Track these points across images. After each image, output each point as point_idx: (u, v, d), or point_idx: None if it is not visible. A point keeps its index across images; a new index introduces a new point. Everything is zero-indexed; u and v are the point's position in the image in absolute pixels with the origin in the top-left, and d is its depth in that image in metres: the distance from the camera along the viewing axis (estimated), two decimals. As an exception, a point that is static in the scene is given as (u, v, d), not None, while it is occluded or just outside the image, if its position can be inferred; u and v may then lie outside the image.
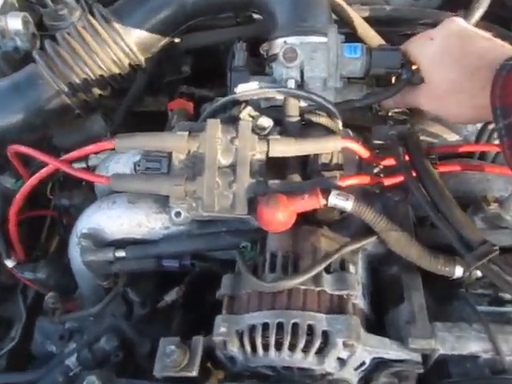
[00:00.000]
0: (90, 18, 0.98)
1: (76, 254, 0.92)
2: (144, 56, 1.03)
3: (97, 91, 1.02)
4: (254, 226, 0.79)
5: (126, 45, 0.98)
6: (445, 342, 0.65)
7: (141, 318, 0.84)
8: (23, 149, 0.87)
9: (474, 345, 0.64)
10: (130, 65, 1.02)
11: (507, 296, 0.69)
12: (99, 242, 0.87)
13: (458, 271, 0.68)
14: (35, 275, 1.01)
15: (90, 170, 1.04)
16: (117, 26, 0.97)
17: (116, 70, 1.00)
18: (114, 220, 0.86)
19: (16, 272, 1.03)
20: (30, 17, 1.16)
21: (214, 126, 0.77)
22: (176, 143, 0.77)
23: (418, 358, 0.66)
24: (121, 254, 0.84)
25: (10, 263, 1.00)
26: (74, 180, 1.18)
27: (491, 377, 0.64)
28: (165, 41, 1.04)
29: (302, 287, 0.67)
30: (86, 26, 0.97)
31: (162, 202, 0.85)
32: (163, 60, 1.35)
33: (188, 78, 1.40)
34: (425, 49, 0.77)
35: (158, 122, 1.28)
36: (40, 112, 0.98)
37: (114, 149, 0.80)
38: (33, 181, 0.84)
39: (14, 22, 1.12)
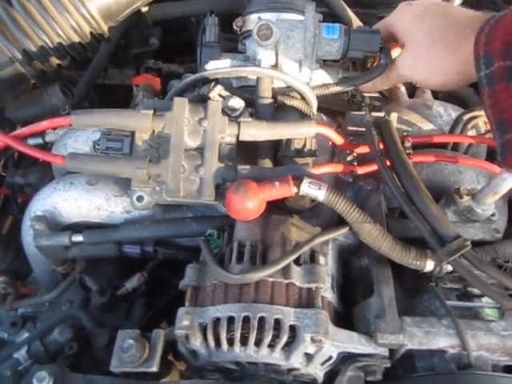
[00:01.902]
0: (47, -21, 0.89)
1: (29, 238, 0.85)
2: (108, 24, 0.95)
3: (55, 60, 0.94)
4: (222, 212, 0.75)
5: (88, 11, 0.90)
6: (413, 338, 0.63)
7: (99, 307, 0.80)
8: (-31, 121, 0.79)
9: (442, 340, 0.64)
10: (91, 33, 0.94)
11: (476, 291, 0.69)
12: (54, 225, 0.81)
13: (429, 265, 0.66)
14: (-15, 258, 0.94)
15: (48, 146, 0.97)
16: (78, -11, 0.89)
17: (76, 39, 0.92)
18: (70, 202, 0.80)
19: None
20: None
21: (182, 106, 0.72)
22: (139, 122, 0.71)
23: (385, 352, 0.65)
24: (78, 238, 0.79)
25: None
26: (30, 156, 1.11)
27: (457, 372, 0.64)
28: (131, 9, 0.97)
29: (270, 279, 0.64)
30: (42, -12, 0.89)
31: (124, 184, 0.79)
32: (130, 31, 1.27)
33: (156, 52, 1.33)
34: (405, 13, 0.76)
35: (122, 97, 1.22)
36: (-2, 79, 0.90)
37: (70, 125, 0.73)
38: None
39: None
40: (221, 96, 0.76)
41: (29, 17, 0.88)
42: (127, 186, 0.78)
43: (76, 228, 0.80)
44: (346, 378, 0.66)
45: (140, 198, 0.74)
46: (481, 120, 0.86)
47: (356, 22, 1.03)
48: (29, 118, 0.96)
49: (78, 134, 0.87)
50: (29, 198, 1.05)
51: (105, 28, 0.95)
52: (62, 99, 1.01)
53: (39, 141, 0.97)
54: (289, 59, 0.80)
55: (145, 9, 1.06)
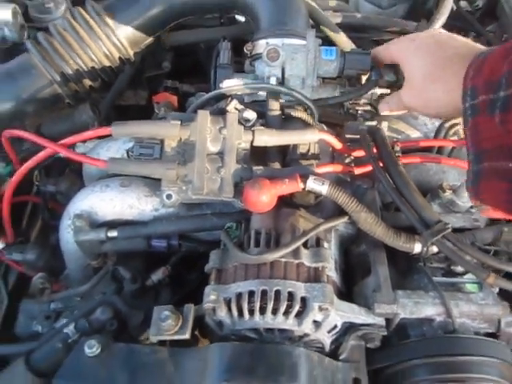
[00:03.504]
0: (84, 12, 1.04)
1: (67, 236, 0.97)
2: (133, 50, 1.09)
3: (87, 82, 1.08)
4: (238, 208, 0.87)
5: (118, 39, 1.04)
6: (405, 307, 0.75)
7: (131, 294, 0.90)
8: (22, 133, 0.91)
9: (429, 309, 0.75)
10: (119, 58, 1.08)
11: (458, 269, 0.80)
12: (92, 222, 0.92)
13: (417, 247, 0.78)
14: (24, 256, 1.05)
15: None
16: (109, 21, 1.03)
17: (107, 63, 1.06)
18: (106, 202, 0.92)
19: (4, 254, 1.07)
20: (17, 8, 1.21)
21: (204, 117, 0.85)
22: (169, 131, 0.84)
23: (382, 322, 0.76)
24: (113, 233, 0.91)
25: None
26: (59, 167, 1.23)
27: (444, 336, 0.75)
28: (153, 36, 1.11)
29: (283, 260, 0.75)
30: (79, 20, 1.03)
31: (153, 186, 0.92)
32: (145, 55, 1.41)
33: (167, 74, 1.47)
34: (405, 47, 0.83)
35: (136, 116, 1.35)
36: (32, 100, 1.03)
37: (109, 135, 0.86)
38: (30, 164, 0.89)
39: (4, 13, 1.16)
40: (236, 109, 0.89)
41: (66, 44, 1.02)
42: (156, 187, 0.91)
43: (111, 225, 0.92)
44: (349, 345, 0.77)
45: (169, 196, 0.86)
46: (460, 127, 0.99)
47: (349, 45, 1.17)
48: (61, 133, 1.08)
49: (109, 145, 0.99)
50: (58, 204, 1.18)
51: (131, 53, 1.09)
52: (91, 116, 1.15)
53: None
54: (293, 77, 0.93)
55: (163, 36, 1.20)
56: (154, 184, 0.92)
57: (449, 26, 1.31)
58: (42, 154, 0.88)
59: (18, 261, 1.07)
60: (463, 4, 1.38)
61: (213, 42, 1.32)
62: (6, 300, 1.11)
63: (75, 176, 1.19)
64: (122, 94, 1.37)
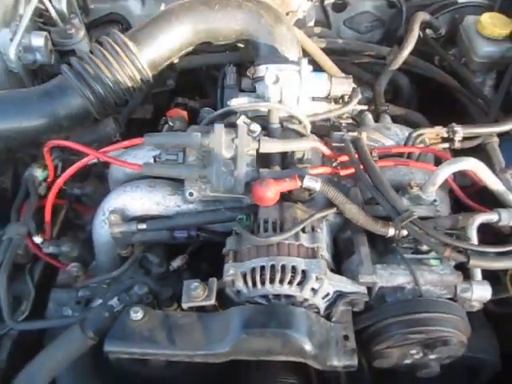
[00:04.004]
0: (111, 41, 1.22)
1: (100, 230, 1.16)
2: (152, 73, 1.28)
3: (113, 100, 1.26)
4: (247, 203, 1.07)
5: (140, 64, 1.23)
6: (382, 277, 0.96)
7: (158, 276, 1.09)
8: (66, 143, 1.10)
9: (401, 278, 0.96)
10: (141, 80, 1.26)
11: (424, 248, 1.01)
12: (124, 217, 1.11)
13: (391, 231, 0.99)
14: (60, 249, 1.22)
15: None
16: (133, 48, 1.22)
17: (130, 84, 1.24)
18: (137, 200, 1.11)
19: (41, 249, 1.23)
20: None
21: (220, 129, 1.04)
22: (192, 141, 1.03)
23: (364, 290, 0.97)
24: (142, 226, 1.09)
25: (38, 239, 1.21)
26: (83, 174, 1.41)
27: (410, 299, 0.96)
28: (169, 61, 1.30)
29: (287, 242, 0.96)
30: (107, 47, 1.21)
31: (175, 186, 1.11)
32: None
33: (171, 91, 1.66)
34: None
35: (142, 128, 1.53)
36: (67, 116, 1.21)
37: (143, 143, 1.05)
38: (74, 168, 1.07)
39: (38, 40, 1.35)
40: (244, 122, 1.09)
41: (97, 68, 1.20)
42: (177, 187, 1.10)
43: (140, 219, 1.11)
44: (339, 310, 0.97)
45: (191, 194, 1.06)
46: (426, 136, 1.21)
47: (334, 68, 1.39)
48: (87, 143, 1.26)
49: (135, 153, 1.18)
50: (83, 205, 1.35)
51: (150, 76, 1.28)
52: (114, 129, 1.33)
53: (95, 160, 1.27)
54: (290, 97, 1.14)
55: (176, 60, 1.39)
56: (175, 185, 1.11)
57: (417, 51, 1.55)
58: (84, 160, 1.06)
59: (54, 254, 1.23)
60: (428, 32, 1.61)
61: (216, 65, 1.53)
62: (33, 292, 1.27)
63: (98, 181, 1.38)
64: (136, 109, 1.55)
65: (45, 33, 1.36)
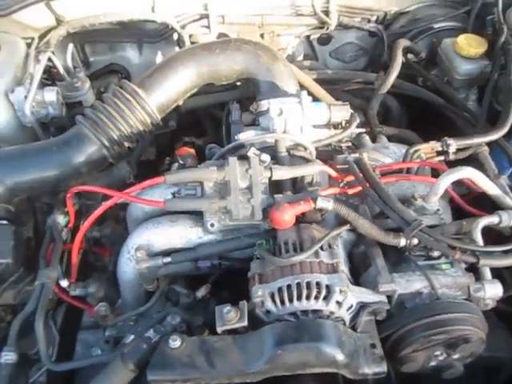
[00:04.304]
0: (121, 90, 1.31)
1: (126, 267, 1.21)
2: (160, 116, 1.37)
3: (127, 144, 1.34)
4: (264, 229, 1.14)
5: (150, 109, 1.32)
6: (400, 284, 1.02)
7: (186, 306, 1.14)
8: (90, 188, 1.17)
9: (417, 284, 1.02)
10: (151, 123, 1.35)
11: (435, 254, 1.08)
12: (148, 253, 1.17)
13: (403, 241, 1.06)
14: (86, 290, 1.27)
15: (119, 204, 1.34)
16: (142, 94, 1.31)
17: (142, 128, 1.33)
18: (160, 235, 1.17)
19: (65, 293, 1.27)
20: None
21: (234, 162, 1.12)
22: (210, 175, 1.11)
23: (385, 299, 1.03)
24: (167, 259, 1.15)
25: (64, 283, 1.25)
26: (99, 218, 1.47)
27: (430, 303, 1.02)
28: (175, 104, 1.39)
29: (308, 260, 1.02)
30: (118, 96, 1.30)
31: (195, 219, 1.18)
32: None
33: (172, 131, 1.75)
34: None
35: (148, 169, 1.60)
36: (85, 162, 1.28)
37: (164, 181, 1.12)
38: (100, 210, 1.13)
39: (50, 95, 1.44)
40: (255, 154, 1.17)
41: (110, 115, 1.29)
42: (197, 220, 1.17)
43: (164, 253, 1.16)
44: (363, 320, 1.02)
45: (212, 225, 1.13)
46: (422, 152, 1.30)
47: (328, 97, 1.49)
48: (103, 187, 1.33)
49: (153, 192, 1.25)
50: (102, 247, 1.41)
51: (159, 118, 1.37)
52: (128, 171, 1.41)
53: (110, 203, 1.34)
54: (294, 126, 1.23)
55: (181, 102, 1.49)
56: (195, 218, 1.18)
57: (401, 74, 1.67)
58: (109, 202, 1.13)
59: (81, 295, 1.28)
60: (410, 56, 1.74)
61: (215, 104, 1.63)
62: (58, 337, 1.30)
63: (114, 222, 1.44)
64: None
65: (56, 88, 1.45)
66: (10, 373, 1.11)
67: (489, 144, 1.37)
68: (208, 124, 1.80)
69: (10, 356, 1.11)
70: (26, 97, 1.40)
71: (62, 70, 1.55)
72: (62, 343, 1.29)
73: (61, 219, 1.31)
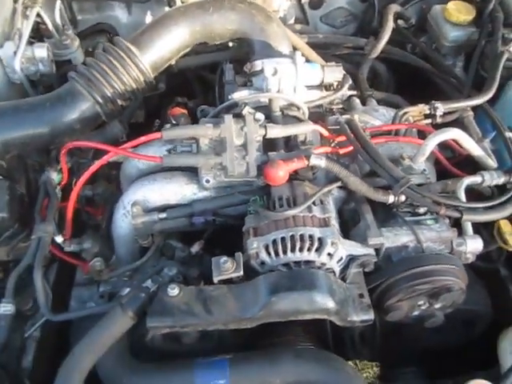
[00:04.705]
0: (114, 46, 1.30)
1: (121, 223, 1.23)
2: (153, 75, 1.37)
3: (120, 102, 1.33)
4: (258, 186, 1.17)
5: (144, 66, 1.31)
6: (388, 238, 1.07)
7: (181, 260, 1.17)
8: (85, 143, 1.17)
9: (404, 238, 1.08)
10: (144, 81, 1.34)
11: (421, 210, 1.13)
12: (144, 208, 1.19)
13: (391, 198, 1.11)
14: (81, 246, 1.29)
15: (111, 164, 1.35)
16: (136, 52, 1.30)
17: (135, 86, 1.32)
18: (155, 192, 1.19)
19: (59, 249, 1.29)
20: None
21: (230, 119, 1.14)
22: (206, 131, 1.13)
23: (373, 252, 1.08)
24: (163, 215, 1.18)
25: (59, 239, 1.27)
26: (92, 177, 1.47)
27: (415, 255, 1.08)
28: (168, 63, 1.39)
29: (301, 214, 1.06)
30: (112, 52, 1.29)
31: (190, 176, 1.20)
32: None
33: (161, 93, 1.74)
34: None
35: (138, 130, 1.60)
36: (79, 119, 1.28)
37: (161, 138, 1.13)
38: (97, 165, 1.15)
39: (41, 51, 1.41)
40: (249, 112, 1.19)
41: (104, 72, 1.28)
42: (192, 177, 1.19)
43: (159, 209, 1.19)
44: (352, 272, 1.08)
45: (207, 181, 1.15)
46: (410, 114, 1.34)
47: (319, 59, 1.51)
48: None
49: (147, 150, 1.26)
50: (95, 206, 1.42)
51: (152, 77, 1.36)
52: (121, 130, 1.40)
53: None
54: (287, 86, 1.25)
55: (173, 62, 1.48)
56: (190, 175, 1.20)
57: (390, 40, 1.69)
58: (106, 157, 1.14)
59: (75, 251, 1.30)
60: (400, 22, 1.76)
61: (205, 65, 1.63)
62: (51, 295, 1.32)
63: (106, 182, 1.45)
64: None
65: (46, 44, 1.43)
66: (9, 324, 1.14)
67: (474, 109, 1.42)
68: (197, 86, 1.79)
69: (8, 307, 1.13)
70: (15, 52, 1.38)
71: (51, 26, 1.52)
72: (55, 301, 1.31)
73: (54, 176, 1.31)
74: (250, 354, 1.04)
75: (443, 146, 1.29)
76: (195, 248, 1.23)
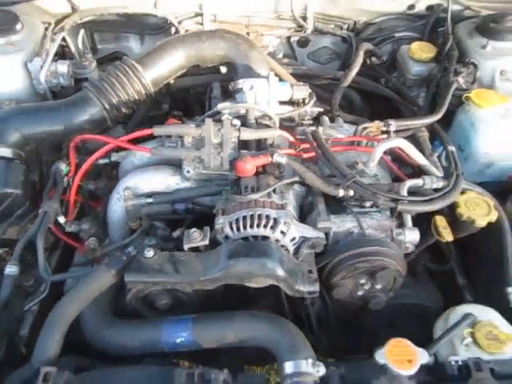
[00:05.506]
0: (123, 64, 1.58)
1: (115, 207, 1.45)
2: (154, 89, 1.63)
3: (124, 110, 1.60)
4: (231, 179, 1.38)
5: (146, 81, 1.58)
6: (335, 223, 1.27)
7: (162, 237, 1.37)
8: (92, 136, 1.42)
9: (349, 224, 1.27)
10: (145, 94, 1.61)
11: (367, 204, 1.32)
12: (135, 194, 1.41)
13: (341, 192, 1.30)
14: (80, 227, 1.50)
15: (113, 164, 1.59)
16: (140, 69, 1.57)
17: (137, 97, 1.59)
18: (145, 180, 1.41)
19: (60, 229, 1.50)
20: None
21: (209, 122, 1.38)
22: (189, 130, 1.37)
23: (323, 235, 1.27)
24: (149, 200, 1.39)
25: (61, 219, 1.49)
26: (96, 173, 1.70)
27: (357, 238, 1.26)
28: (167, 80, 1.66)
29: (262, 199, 1.26)
30: (120, 68, 1.57)
31: (175, 169, 1.43)
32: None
33: (165, 113, 2.00)
34: None
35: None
36: (88, 121, 1.54)
37: (152, 134, 1.37)
38: (99, 153, 1.38)
39: (62, 67, 1.70)
40: (228, 118, 1.42)
41: (112, 84, 1.55)
42: (177, 170, 1.41)
43: (147, 195, 1.41)
44: (304, 252, 1.26)
45: (188, 171, 1.37)
46: (370, 130, 1.56)
47: (293, 80, 1.75)
48: (100, 147, 1.57)
49: (138, 152, 1.49)
50: (96, 199, 1.64)
51: (152, 91, 1.63)
52: (123, 133, 1.65)
53: (106, 161, 1.58)
54: (262, 100, 1.49)
55: (172, 81, 1.75)
56: (175, 169, 1.43)
57: (366, 74, 1.94)
58: (105, 148, 1.38)
59: (75, 232, 1.51)
60: (374, 59, 2.02)
61: (203, 87, 1.90)
62: (51, 276, 1.51)
63: (107, 179, 1.68)
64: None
65: (67, 61, 1.72)
66: (12, 284, 1.34)
67: (432, 133, 1.63)
68: (196, 108, 2.05)
69: (13, 269, 1.33)
70: (41, 66, 1.67)
71: (73, 49, 1.82)
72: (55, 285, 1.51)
73: (63, 167, 1.55)
74: (211, 313, 1.21)
75: (404, 163, 1.49)
76: (176, 233, 1.43)
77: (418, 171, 1.47)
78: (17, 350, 1.35)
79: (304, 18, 2.02)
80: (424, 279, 1.56)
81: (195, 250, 1.23)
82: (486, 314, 1.23)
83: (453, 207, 1.38)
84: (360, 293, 1.31)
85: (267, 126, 1.47)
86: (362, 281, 1.27)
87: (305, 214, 1.38)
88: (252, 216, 1.23)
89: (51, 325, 1.17)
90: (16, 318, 1.40)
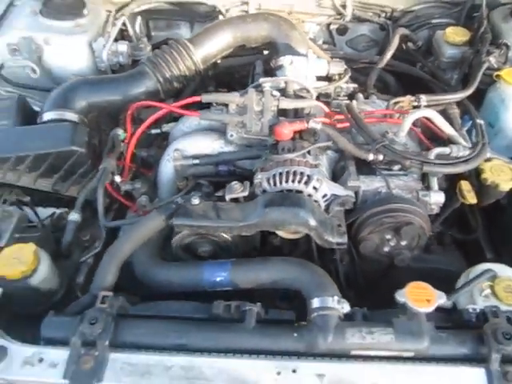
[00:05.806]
0: (176, 42, 1.75)
1: (165, 168, 1.62)
2: (203, 66, 1.80)
3: (175, 84, 1.77)
4: (270, 143, 1.52)
5: (196, 59, 1.75)
6: (364, 183, 1.38)
7: (206, 194, 1.52)
8: (149, 102, 1.59)
9: (377, 183, 1.38)
10: (195, 70, 1.78)
11: (395, 168, 1.43)
12: (183, 155, 1.57)
13: (371, 156, 1.41)
14: (133, 185, 1.67)
15: (164, 135, 1.76)
16: (191, 47, 1.74)
17: (187, 73, 1.76)
18: (192, 143, 1.57)
19: (117, 189, 1.68)
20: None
21: (252, 91, 1.52)
22: (234, 98, 1.52)
23: (352, 194, 1.38)
24: (196, 161, 1.55)
25: (118, 178, 1.66)
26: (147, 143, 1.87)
27: (384, 196, 1.36)
28: (215, 59, 1.82)
29: (297, 159, 1.39)
30: (173, 46, 1.74)
31: (219, 134, 1.58)
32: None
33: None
34: None
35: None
36: (144, 92, 1.72)
37: (200, 101, 1.54)
38: (155, 116, 1.56)
39: (122, 47, 1.90)
40: (268, 88, 1.56)
41: (167, 60, 1.73)
42: (222, 135, 1.57)
43: (194, 157, 1.57)
44: (334, 209, 1.38)
45: (231, 135, 1.52)
46: (402, 104, 1.65)
47: (328, 58, 1.87)
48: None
49: (187, 121, 1.65)
50: (147, 167, 1.81)
51: (202, 68, 1.79)
52: (174, 106, 1.82)
53: (158, 131, 1.75)
54: (301, 74, 1.62)
55: (219, 61, 1.91)
56: (219, 134, 1.58)
57: (403, 59, 2.04)
58: (160, 112, 1.55)
59: (128, 190, 1.69)
60: (410, 44, 2.11)
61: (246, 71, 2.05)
62: (104, 234, 1.69)
63: (157, 148, 1.86)
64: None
65: (127, 42, 1.92)
66: (75, 228, 1.52)
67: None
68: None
69: (75, 216, 1.52)
70: (104, 46, 1.87)
71: (131, 32, 2.02)
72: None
73: (120, 132, 1.73)
74: (249, 258, 1.35)
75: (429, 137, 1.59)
76: (219, 193, 1.59)
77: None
78: (73, 294, 1.53)
79: (343, 6, 2.14)
80: (451, 249, 1.64)
81: (236, 200, 1.38)
82: (507, 271, 1.30)
83: (478, 174, 1.46)
84: (386, 249, 1.41)
85: (304, 98, 1.60)
86: (388, 236, 1.38)
87: (337, 178, 1.50)
88: (287, 172, 1.36)
89: (109, 258, 1.34)
90: (75, 265, 1.59)
